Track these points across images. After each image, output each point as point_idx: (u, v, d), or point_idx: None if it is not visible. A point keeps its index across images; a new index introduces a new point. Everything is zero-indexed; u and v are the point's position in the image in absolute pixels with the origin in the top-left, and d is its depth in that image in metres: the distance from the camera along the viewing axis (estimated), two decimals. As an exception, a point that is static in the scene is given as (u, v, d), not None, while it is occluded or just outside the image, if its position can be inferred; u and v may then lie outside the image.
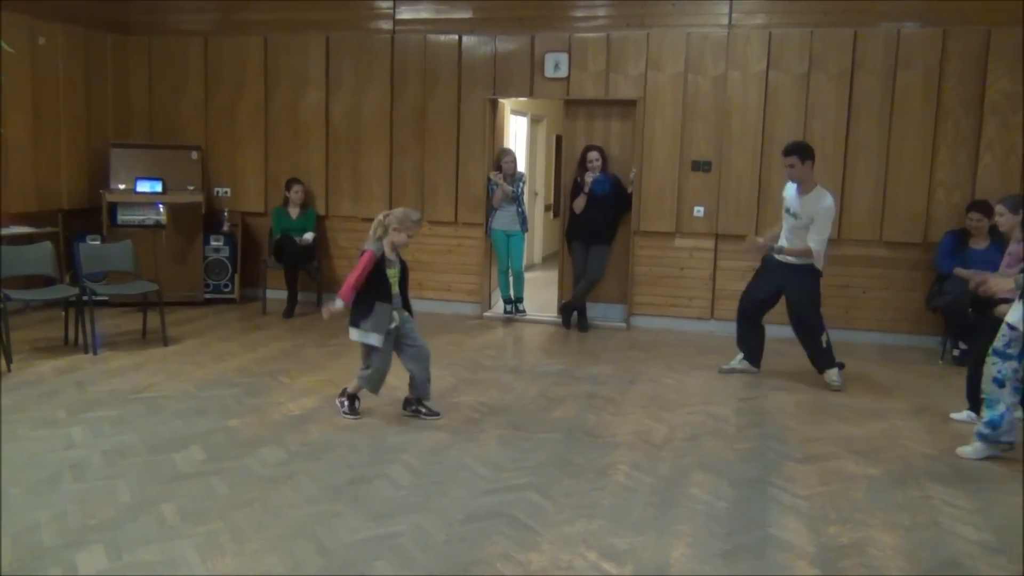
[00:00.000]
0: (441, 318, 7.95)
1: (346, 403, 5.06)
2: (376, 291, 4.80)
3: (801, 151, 5.81)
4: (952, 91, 7.04)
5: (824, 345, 6.01)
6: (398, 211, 4.89)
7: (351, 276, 4.81)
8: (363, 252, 4.83)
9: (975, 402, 5.07)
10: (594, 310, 7.93)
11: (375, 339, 4.84)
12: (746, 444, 4.79)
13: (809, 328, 6.00)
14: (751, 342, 6.30)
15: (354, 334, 4.90)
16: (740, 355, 6.36)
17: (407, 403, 5.15)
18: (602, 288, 7.90)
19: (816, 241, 5.76)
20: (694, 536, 3.59)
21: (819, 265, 5.90)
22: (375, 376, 4.97)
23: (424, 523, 3.64)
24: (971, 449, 4.67)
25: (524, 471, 4.26)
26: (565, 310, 7.84)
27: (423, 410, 5.09)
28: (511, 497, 3.93)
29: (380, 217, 4.89)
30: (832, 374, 6.00)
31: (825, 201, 5.76)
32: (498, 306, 8.37)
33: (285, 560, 3.28)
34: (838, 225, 7.21)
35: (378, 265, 4.80)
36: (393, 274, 4.89)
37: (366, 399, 5.14)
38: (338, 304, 4.81)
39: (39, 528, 3.47)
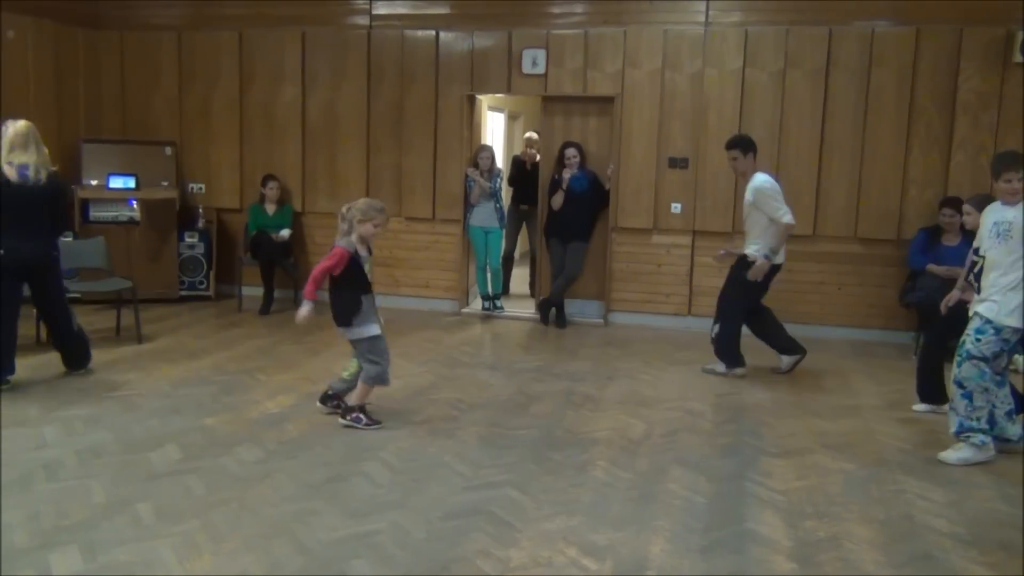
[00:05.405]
0: (419, 315, 7.93)
1: (362, 417, 4.82)
2: (357, 285, 4.71)
3: (742, 144, 6.02)
4: (924, 89, 7.11)
5: (716, 335, 6.12)
6: (360, 202, 4.73)
7: (316, 270, 4.67)
8: (334, 247, 4.72)
9: (928, 395, 5.32)
10: (572, 306, 7.94)
11: (375, 328, 4.73)
12: (723, 440, 4.82)
13: (721, 310, 6.15)
14: (768, 338, 6.30)
15: (350, 333, 4.73)
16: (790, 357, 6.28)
17: (329, 398, 5.04)
18: (580, 284, 7.91)
19: (780, 214, 5.79)
20: (672, 531, 3.61)
21: (777, 257, 5.93)
22: (382, 368, 4.79)
23: (403, 521, 3.63)
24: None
25: (502, 468, 4.26)
26: (543, 306, 7.84)
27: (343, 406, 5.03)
28: (490, 494, 3.93)
29: (343, 211, 4.72)
30: (717, 365, 6.18)
31: (755, 180, 5.89)
32: (476, 303, 8.36)
33: (263, 559, 3.26)
34: (812, 222, 7.30)
35: (354, 260, 4.69)
36: (369, 269, 4.79)
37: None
38: (305, 306, 4.67)
39: (12, 529, 3.42)
